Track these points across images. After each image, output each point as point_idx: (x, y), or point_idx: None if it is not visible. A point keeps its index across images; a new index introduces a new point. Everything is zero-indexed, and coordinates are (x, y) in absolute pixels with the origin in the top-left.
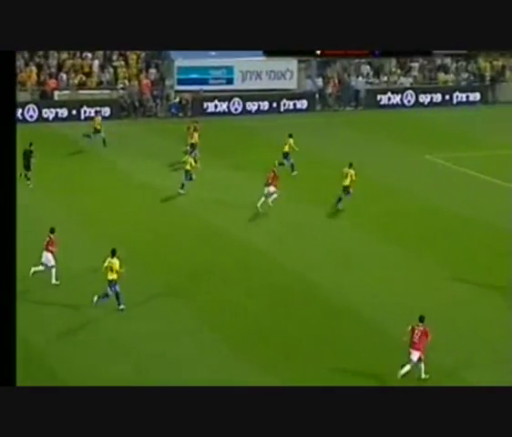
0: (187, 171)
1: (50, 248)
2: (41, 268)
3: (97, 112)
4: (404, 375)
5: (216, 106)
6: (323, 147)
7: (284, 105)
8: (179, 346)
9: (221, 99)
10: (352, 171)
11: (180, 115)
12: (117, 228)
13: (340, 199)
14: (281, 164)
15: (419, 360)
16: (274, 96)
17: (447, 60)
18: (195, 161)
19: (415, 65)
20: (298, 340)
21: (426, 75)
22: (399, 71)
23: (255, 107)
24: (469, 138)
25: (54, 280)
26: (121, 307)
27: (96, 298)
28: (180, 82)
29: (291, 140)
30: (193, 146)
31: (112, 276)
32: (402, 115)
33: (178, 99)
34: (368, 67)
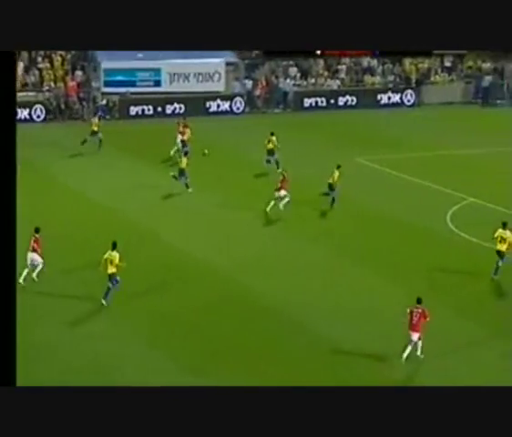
0: (181, 170)
1: (36, 248)
2: (25, 271)
3: (95, 114)
4: (407, 358)
5: (143, 110)
6: (253, 149)
7: (211, 106)
8: (109, 348)
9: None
10: (337, 172)
11: (107, 117)
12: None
13: (327, 194)
14: (267, 161)
15: (418, 339)
16: (202, 97)
17: (374, 62)
18: (187, 158)
19: (343, 67)
20: (228, 342)
21: (353, 77)
22: (326, 73)
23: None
24: (397, 141)
25: (34, 275)
26: (104, 302)
27: (103, 301)
28: (107, 84)
29: (274, 138)
30: (184, 142)
31: (112, 269)
32: (330, 117)
33: (104, 101)
34: (296, 69)
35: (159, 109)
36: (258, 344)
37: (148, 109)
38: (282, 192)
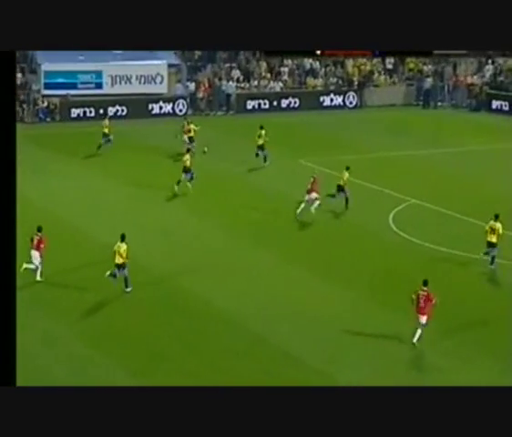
0: (186, 168)
1: (39, 246)
2: (32, 266)
3: (105, 115)
4: (418, 339)
5: (85, 112)
6: (196, 150)
7: (154, 109)
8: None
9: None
10: (347, 174)
11: (48, 120)
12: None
13: (333, 196)
14: (256, 155)
15: (426, 322)
16: (144, 100)
17: (316, 64)
18: (192, 154)
19: (285, 69)
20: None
21: (296, 79)
22: (269, 75)
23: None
24: (340, 142)
25: (38, 277)
26: (128, 289)
27: (108, 273)
28: (47, 86)
29: (263, 131)
30: (191, 139)
31: (120, 260)
32: (273, 119)
33: (45, 104)
34: (238, 72)
35: (101, 112)
36: (199, 346)
37: (90, 111)
38: (313, 195)
